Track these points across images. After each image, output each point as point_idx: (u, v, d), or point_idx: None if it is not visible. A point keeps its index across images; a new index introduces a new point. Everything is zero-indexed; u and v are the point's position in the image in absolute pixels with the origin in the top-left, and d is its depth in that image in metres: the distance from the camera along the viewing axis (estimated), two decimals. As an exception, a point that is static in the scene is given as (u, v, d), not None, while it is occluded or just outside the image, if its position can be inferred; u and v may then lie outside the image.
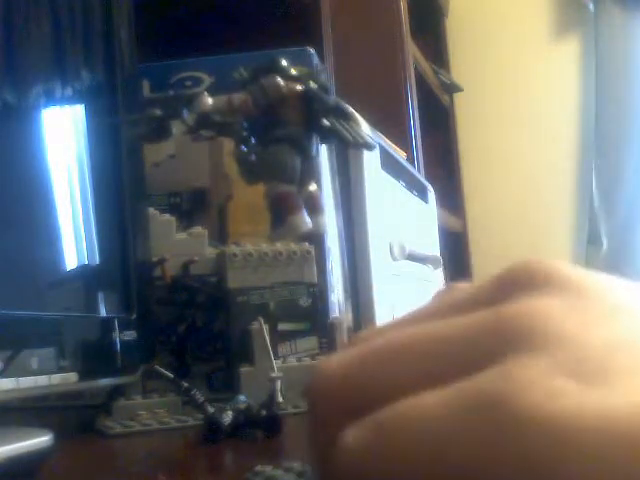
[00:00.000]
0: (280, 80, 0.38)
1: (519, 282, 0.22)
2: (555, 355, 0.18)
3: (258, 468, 0.42)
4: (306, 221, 0.43)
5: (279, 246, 0.83)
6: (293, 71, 0.39)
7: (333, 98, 0.37)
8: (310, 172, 0.36)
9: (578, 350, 0.18)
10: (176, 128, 0.42)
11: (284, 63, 0.40)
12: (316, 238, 0.35)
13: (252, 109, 0.38)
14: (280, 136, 0.36)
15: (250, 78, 0.42)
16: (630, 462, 0.16)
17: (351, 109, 0.43)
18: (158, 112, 0.39)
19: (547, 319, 0.19)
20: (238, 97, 0.39)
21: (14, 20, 0.60)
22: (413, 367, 0.20)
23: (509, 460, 0.17)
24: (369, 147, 0.40)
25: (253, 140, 0.37)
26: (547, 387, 0.17)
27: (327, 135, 0.37)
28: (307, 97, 0.36)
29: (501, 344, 0.19)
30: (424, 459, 0.18)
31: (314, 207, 0.37)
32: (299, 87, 0.37)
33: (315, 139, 0.37)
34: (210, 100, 0.38)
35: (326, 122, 0.37)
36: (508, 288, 0.22)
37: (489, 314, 0.20)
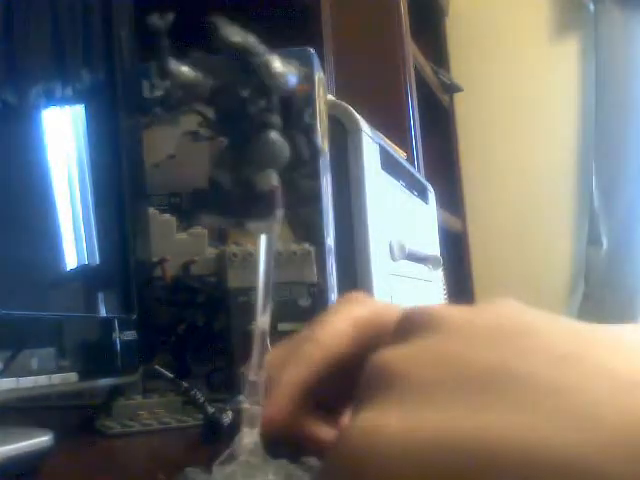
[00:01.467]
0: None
1: (402, 330, 0.27)
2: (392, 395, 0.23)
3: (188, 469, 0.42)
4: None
5: (279, 246, 0.83)
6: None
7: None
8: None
9: (411, 388, 0.23)
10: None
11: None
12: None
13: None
14: (269, 122, 0.35)
15: None
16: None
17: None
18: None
19: (395, 367, 0.24)
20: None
21: (14, 20, 0.60)
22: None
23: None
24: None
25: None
26: (369, 425, 0.22)
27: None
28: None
29: (365, 388, 0.24)
30: None
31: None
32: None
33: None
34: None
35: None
36: (396, 335, 0.27)
37: (367, 361, 0.26)
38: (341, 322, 0.36)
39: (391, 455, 0.20)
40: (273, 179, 0.35)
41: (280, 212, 0.35)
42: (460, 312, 0.25)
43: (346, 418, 0.35)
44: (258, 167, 0.35)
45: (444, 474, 0.20)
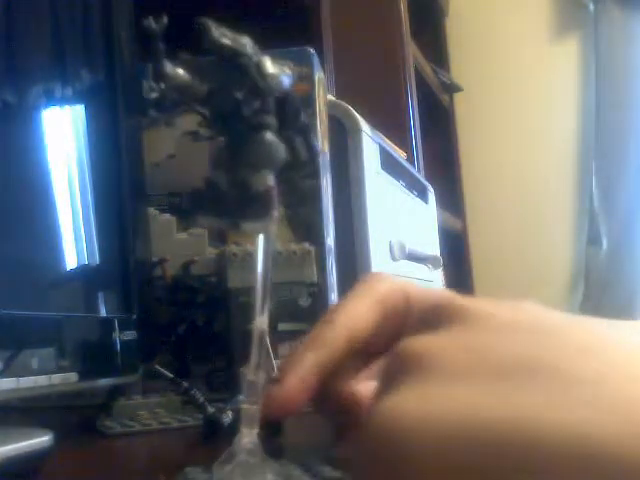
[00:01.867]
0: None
1: (429, 319, 0.28)
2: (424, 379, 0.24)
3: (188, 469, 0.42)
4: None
5: (279, 246, 0.83)
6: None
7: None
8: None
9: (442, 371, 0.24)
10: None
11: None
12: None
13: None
14: (264, 123, 0.35)
15: None
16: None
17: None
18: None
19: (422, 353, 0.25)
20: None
21: (14, 20, 0.60)
22: None
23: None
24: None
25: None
26: (399, 407, 0.23)
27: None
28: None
29: (394, 372, 0.25)
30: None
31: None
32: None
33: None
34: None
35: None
36: (424, 324, 0.28)
37: (395, 349, 0.26)
38: (361, 304, 0.36)
39: (423, 435, 0.21)
40: (269, 180, 0.35)
41: (276, 213, 0.35)
42: (486, 306, 0.26)
43: (363, 394, 0.35)
44: (253, 168, 0.35)
45: (476, 454, 0.20)
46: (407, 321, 0.33)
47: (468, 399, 0.21)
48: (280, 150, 0.35)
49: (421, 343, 0.25)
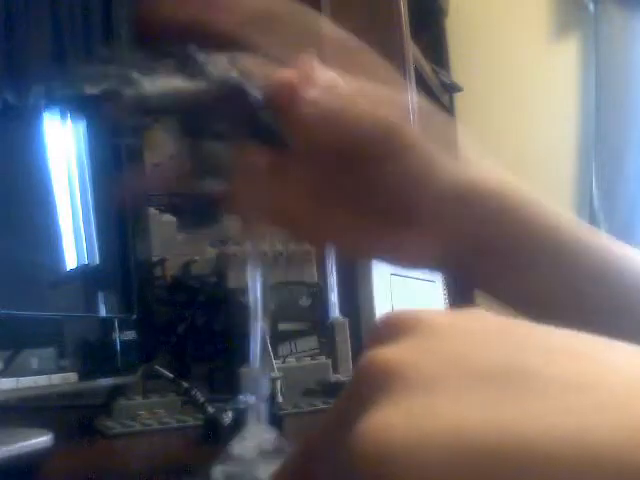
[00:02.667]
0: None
1: (389, 332, 0.25)
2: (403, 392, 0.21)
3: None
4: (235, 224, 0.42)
5: (279, 246, 0.83)
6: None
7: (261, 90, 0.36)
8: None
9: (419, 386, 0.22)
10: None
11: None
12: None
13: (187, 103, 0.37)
14: (213, 132, 0.35)
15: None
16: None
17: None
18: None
19: (394, 366, 0.23)
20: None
21: (14, 20, 0.60)
22: None
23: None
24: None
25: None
26: (380, 429, 0.21)
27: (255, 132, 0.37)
28: (237, 92, 0.36)
29: (367, 389, 0.23)
30: None
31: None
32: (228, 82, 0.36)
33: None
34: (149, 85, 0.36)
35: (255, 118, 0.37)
36: (380, 339, 0.25)
37: (358, 366, 0.24)
38: None
39: (410, 456, 0.20)
40: (214, 186, 0.35)
41: (228, 217, 0.36)
42: (443, 316, 0.25)
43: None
44: (201, 176, 0.35)
45: (466, 470, 0.19)
46: None
47: (458, 413, 0.20)
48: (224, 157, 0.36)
49: (387, 356, 0.23)
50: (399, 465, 0.20)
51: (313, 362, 0.80)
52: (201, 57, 0.35)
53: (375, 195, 0.40)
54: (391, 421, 0.21)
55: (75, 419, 0.78)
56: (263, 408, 0.36)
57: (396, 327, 0.25)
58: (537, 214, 0.45)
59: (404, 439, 0.20)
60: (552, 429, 0.19)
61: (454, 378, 0.21)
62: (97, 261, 0.71)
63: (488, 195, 0.43)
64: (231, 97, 0.35)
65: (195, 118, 0.35)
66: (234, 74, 0.35)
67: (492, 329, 0.24)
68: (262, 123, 0.36)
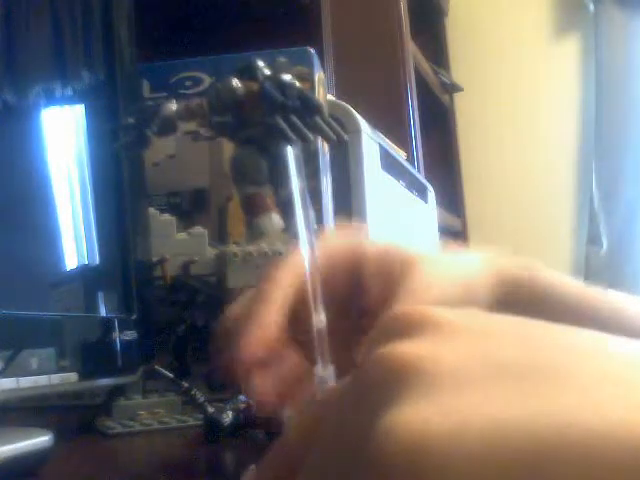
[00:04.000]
0: (236, 82, 0.38)
1: (395, 329, 0.25)
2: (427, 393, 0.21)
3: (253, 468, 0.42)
4: (274, 223, 0.43)
5: (279, 246, 0.83)
6: (266, 71, 0.39)
7: (295, 94, 0.37)
8: (282, 173, 0.37)
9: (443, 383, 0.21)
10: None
11: (260, 64, 0.40)
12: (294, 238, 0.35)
13: (207, 112, 0.38)
14: (244, 137, 0.36)
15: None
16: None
17: (324, 103, 0.43)
18: (132, 121, 0.39)
19: (413, 361, 0.22)
20: (195, 102, 0.39)
21: (14, 20, 0.60)
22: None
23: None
24: (336, 142, 0.40)
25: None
26: (411, 427, 0.20)
27: (281, 135, 0.37)
28: (265, 97, 0.37)
29: (388, 384, 0.22)
30: None
31: (286, 208, 0.37)
32: (255, 88, 0.37)
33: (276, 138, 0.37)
34: (174, 106, 0.38)
35: (278, 121, 0.37)
36: (390, 335, 0.24)
37: (372, 360, 0.23)
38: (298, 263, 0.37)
39: (446, 449, 0.19)
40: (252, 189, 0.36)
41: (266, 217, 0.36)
42: (449, 313, 0.24)
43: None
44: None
45: (504, 465, 0.19)
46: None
47: (491, 407, 0.20)
48: (262, 163, 0.36)
49: (405, 351, 0.22)
50: (435, 458, 0.19)
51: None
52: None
53: None
54: (425, 415, 0.20)
55: (75, 419, 0.78)
56: None
57: (404, 323, 0.24)
58: None
59: (440, 432, 0.19)
60: (587, 422, 0.19)
61: (478, 373, 0.21)
62: (97, 261, 0.71)
63: None
64: (257, 104, 0.36)
65: (225, 128, 0.36)
66: None
67: (503, 326, 0.23)
68: (276, 125, 0.37)
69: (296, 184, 0.37)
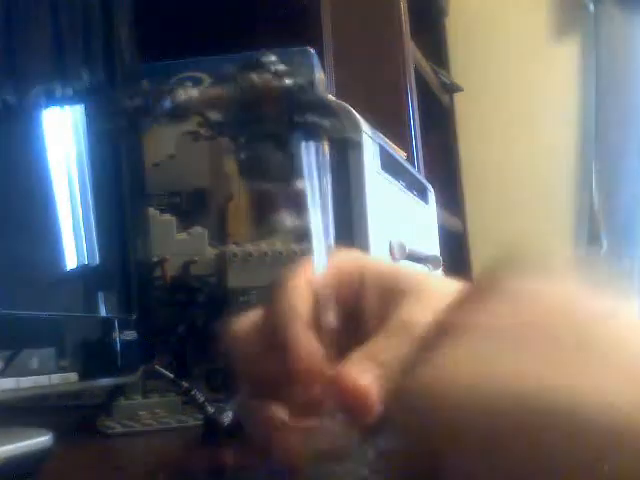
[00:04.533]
0: (255, 77, 0.38)
1: (471, 294, 0.30)
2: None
3: None
4: (286, 221, 0.43)
5: (279, 246, 0.83)
6: (278, 68, 0.39)
7: (314, 94, 0.37)
8: (296, 170, 0.36)
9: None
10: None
11: (271, 59, 0.40)
12: (306, 236, 0.35)
13: (226, 104, 0.38)
14: (260, 133, 0.36)
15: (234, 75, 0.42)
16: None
17: (336, 105, 0.43)
18: (129, 104, 0.38)
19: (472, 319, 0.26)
20: (214, 91, 0.39)
21: (14, 20, 0.60)
22: None
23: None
24: (349, 144, 0.41)
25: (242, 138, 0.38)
26: (439, 372, 0.24)
27: (304, 131, 0.37)
28: (285, 93, 0.37)
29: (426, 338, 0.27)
30: None
31: (300, 205, 0.37)
32: (276, 83, 0.37)
33: (296, 136, 0.37)
34: (194, 92, 0.37)
35: (300, 118, 0.37)
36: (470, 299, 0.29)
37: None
38: (301, 286, 0.37)
39: (462, 399, 0.22)
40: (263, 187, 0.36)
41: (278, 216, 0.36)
42: (523, 286, 0.29)
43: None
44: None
45: (514, 420, 0.21)
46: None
47: (517, 365, 0.23)
48: (278, 159, 0.36)
49: (454, 314, 0.27)
50: (457, 399, 0.22)
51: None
52: None
53: None
54: (458, 359, 0.24)
55: (75, 419, 0.78)
56: None
57: (483, 290, 0.29)
58: None
59: (469, 378, 0.23)
60: (609, 392, 0.21)
61: (511, 339, 0.24)
62: (97, 261, 0.71)
63: None
64: (275, 100, 0.36)
65: (240, 123, 0.36)
66: None
67: (527, 303, 0.27)
68: (299, 122, 0.37)
69: (315, 183, 0.37)
